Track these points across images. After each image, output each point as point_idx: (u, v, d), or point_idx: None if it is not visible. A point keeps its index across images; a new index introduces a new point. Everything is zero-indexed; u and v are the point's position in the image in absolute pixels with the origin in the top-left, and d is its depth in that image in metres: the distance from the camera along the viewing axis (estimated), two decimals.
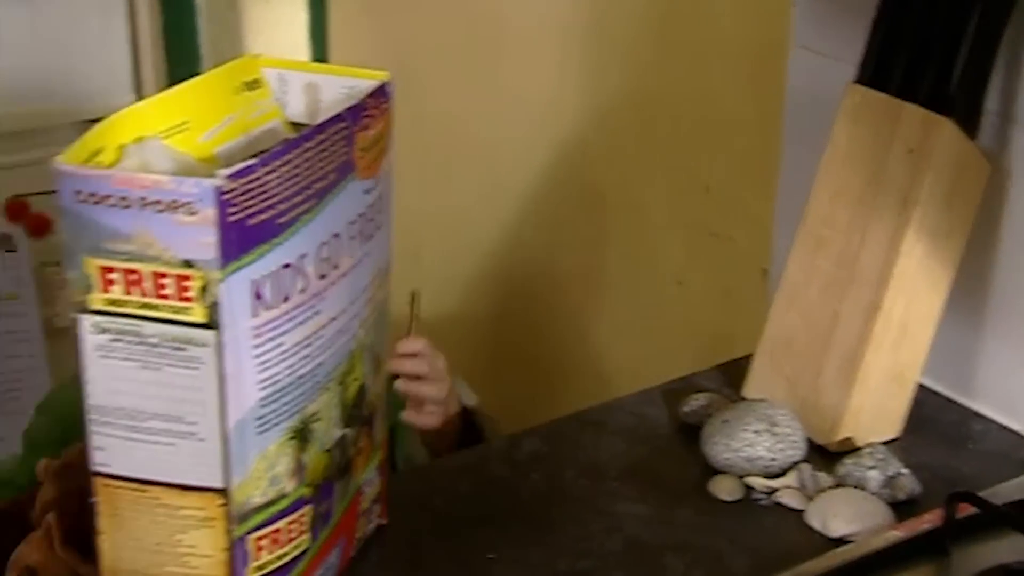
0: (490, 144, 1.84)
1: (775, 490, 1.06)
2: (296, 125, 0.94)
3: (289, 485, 0.85)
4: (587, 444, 1.15)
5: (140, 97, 2.06)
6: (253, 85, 0.94)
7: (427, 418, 1.23)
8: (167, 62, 2.02)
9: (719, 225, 1.51)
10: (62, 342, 2.00)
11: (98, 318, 0.78)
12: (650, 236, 1.61)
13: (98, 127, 0.80)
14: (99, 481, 0.82)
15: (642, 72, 1.57)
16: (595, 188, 1.68)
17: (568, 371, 1.75)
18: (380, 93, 0.89)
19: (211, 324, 0.77)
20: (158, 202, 0.74)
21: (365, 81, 0.90)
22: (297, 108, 0.95)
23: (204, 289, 0.76)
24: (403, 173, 1.98)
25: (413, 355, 1.21)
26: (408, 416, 1.23)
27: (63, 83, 1.90)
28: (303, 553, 0.88)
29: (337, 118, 0.84)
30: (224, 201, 0.74)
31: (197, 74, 0.90)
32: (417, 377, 1.22)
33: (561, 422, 1.18)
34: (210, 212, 0.74)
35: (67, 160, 0.76)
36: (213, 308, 0.76)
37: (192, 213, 0.74)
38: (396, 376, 1.21)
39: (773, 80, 1.33)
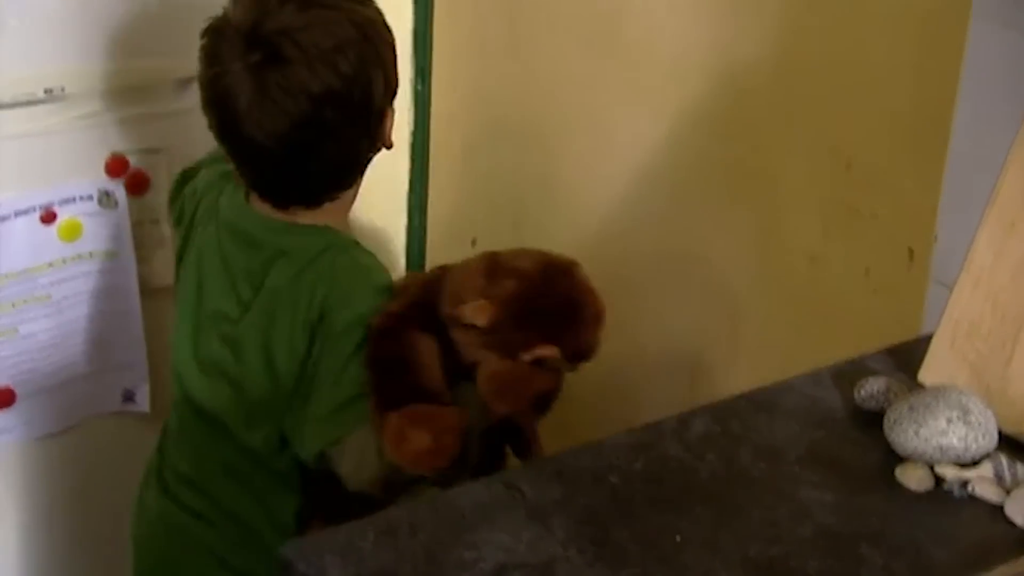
0: (605, 108, 1.79)
1: (968, 481, 1.02)
2: None
3: None
4: (760, 426, 1.11)
5: None
6: None
7: None
8: None
9: (861, 201, 1.46)
10: (157, 301, 1.97)
11: None
12: (782, 210, 1.56)
13: None
14: None
15: (780, 30, 1.51)
16: (721, 158, 1.63)
17: (690, 349, 1.71)
18: None
19: None
20: None
21: None
22: None
23: None
24: (510, 136, 1.94)
25: None
26: None
27: (167, 39, 1.86)
28: None
29: None
30: None
31: None
32: None
33: (730, 402, 1.15)
34: None
35: None
36: None
37: None
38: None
39: (941, 52, 1.28)
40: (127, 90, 1.89)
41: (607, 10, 1.73)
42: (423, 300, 1.43)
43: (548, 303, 1.40)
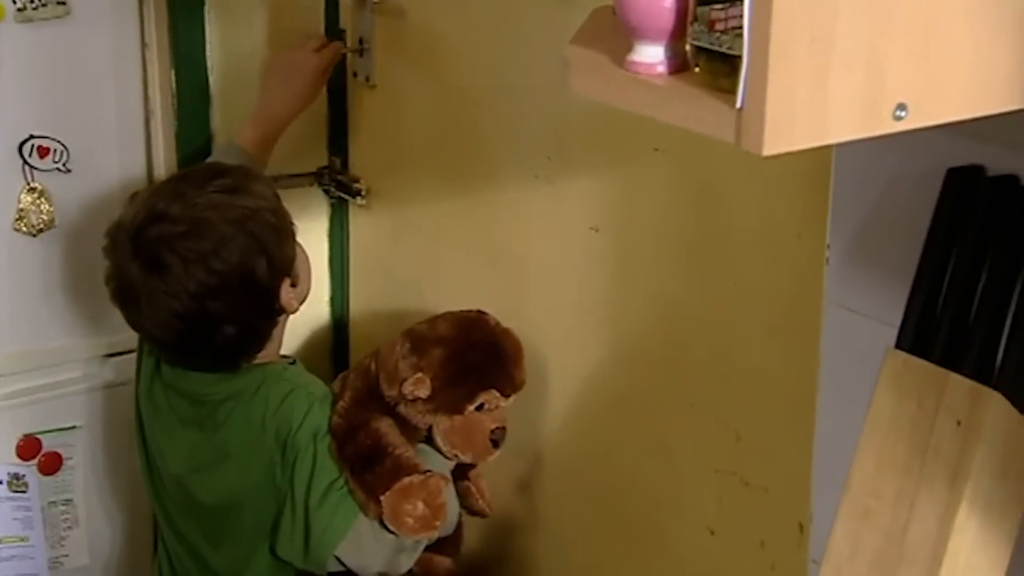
0: None
1: None
2: None
3: None
4: None
5: None
6: None
7: None
8: None
9: (751, 474, 1.46)
10: None
11: None
12: (680, 481, 1.56)
13: None
14: None
15: (666, 311, 1.55)
16: (616, 430, 1.64)
17: None
18: None
19: None
20: None
21: None
22: None
23: None
24: None
25: None
26: None
27: (83, 318, 1.89)
28: None
29: None
30: None
31: None
32: None
33: None
34: None
35: None
36: None
37: None
38: None
39: (804, 332, 1.31)
40: (42, 370, 1.90)
41: (511, 271, 1.77)
42: (366, 388, 1.60)
43: (475, 355, 1.59)
